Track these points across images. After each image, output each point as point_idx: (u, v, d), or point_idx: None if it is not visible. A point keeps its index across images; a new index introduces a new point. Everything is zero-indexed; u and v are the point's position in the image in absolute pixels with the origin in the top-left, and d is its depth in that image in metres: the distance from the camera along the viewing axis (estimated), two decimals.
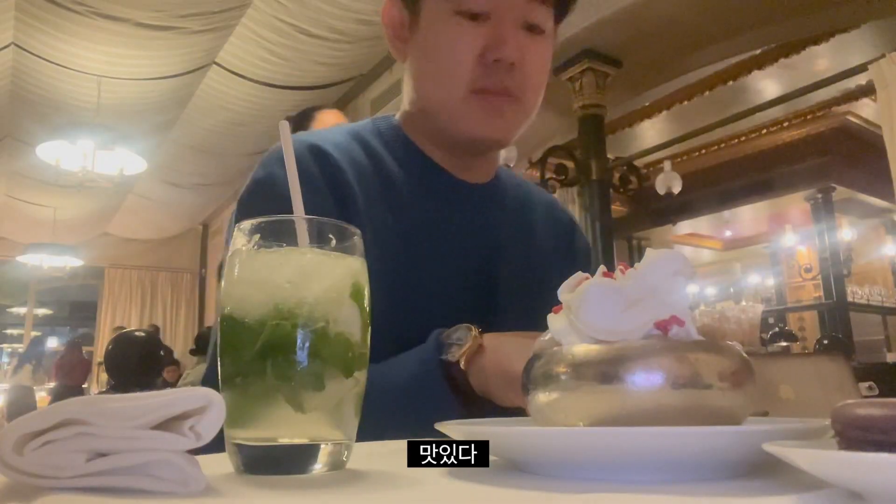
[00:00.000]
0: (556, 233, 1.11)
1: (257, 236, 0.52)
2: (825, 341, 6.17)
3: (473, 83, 0.89)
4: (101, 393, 5.76)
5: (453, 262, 0.94)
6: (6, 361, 12.31)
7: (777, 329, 7.10)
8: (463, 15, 0.89)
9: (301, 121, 2.40)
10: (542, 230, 1.09)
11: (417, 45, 0.95)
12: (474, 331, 0.76)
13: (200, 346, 5.72)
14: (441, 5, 0.90)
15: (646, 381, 0.46)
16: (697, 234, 10.33)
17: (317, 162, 0.90)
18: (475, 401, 0.76)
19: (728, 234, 10.50)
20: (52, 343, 12.93)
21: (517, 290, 1.00)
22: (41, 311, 12.35)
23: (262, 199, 0.89)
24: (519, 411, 0.72)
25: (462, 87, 0.89)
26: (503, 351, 0.74)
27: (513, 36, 0.89)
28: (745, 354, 0.50)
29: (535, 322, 0.69)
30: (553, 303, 1.05)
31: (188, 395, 0.37)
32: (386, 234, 0.89)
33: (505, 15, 0.89)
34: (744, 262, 11.07)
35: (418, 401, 0.76)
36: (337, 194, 0.88)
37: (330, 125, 2.25)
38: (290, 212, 0.82)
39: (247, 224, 0.52)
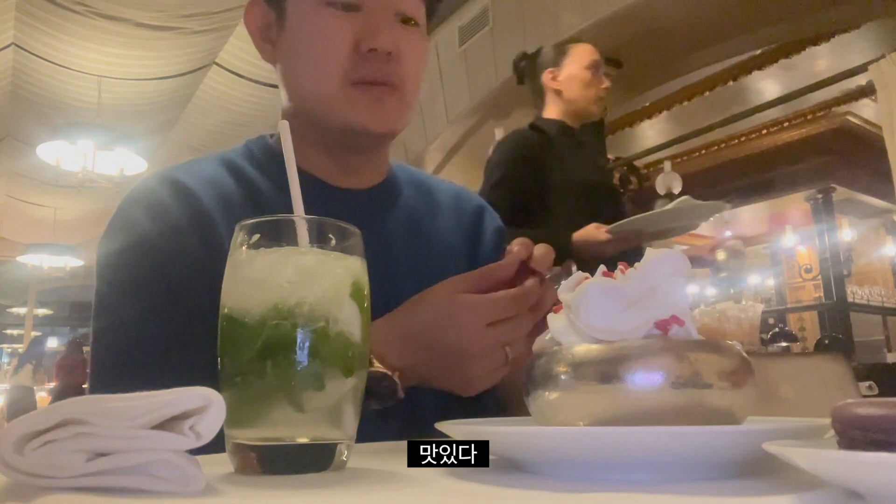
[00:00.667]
0: (461, 220, 1.08)
1: (257, 236, 0.52)
2: (826, 341, 6.17)
3: (351, 74, 0.86)
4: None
5: None
6: (6, 361, 12.31)
7: (777, 329, 7.09)
8: (333, 6, 0.87)
9: (555, 56, 2.34)
10: (444, 222, 1.06)
11: (287, 43, 0.91)
12: (386, 370, 0.71)
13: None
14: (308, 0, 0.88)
15: (646, 380, 0.46)
16: (697, 235, 10.32)
17: (176, 198, 0.87)
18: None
19: (728, 234, 10.49)
20: (53, 343, 12.94)
21: (415, 287, 0.92)
22: (41, 312, 12.35)
23: (125, 254, 0.85)
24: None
25: (338, 78, 0.86)
26: (423, 368, 0.74)
27: (387, 26, 0.87)
28: (745, 354, 0.50)
29: None
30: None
31: (188, 395, 0.37)
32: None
33: (376, 6, 0.88)
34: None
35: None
36: (199, 230, 0.84)
37: (585, 60, 2.32)
38: (161, 263, 0.82)
39: (247, 224, 0.52)
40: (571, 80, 2.31)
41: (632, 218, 1.80)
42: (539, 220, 2.11)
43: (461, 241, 1.07)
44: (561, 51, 2.36)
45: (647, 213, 1.79)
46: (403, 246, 0.98)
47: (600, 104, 2.37)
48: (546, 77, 2.35)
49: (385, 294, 0.92)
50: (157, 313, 0.81)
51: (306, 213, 0.85)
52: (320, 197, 0.91)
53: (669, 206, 1.73)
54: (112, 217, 0.90)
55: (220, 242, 0.82)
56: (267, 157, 0.97)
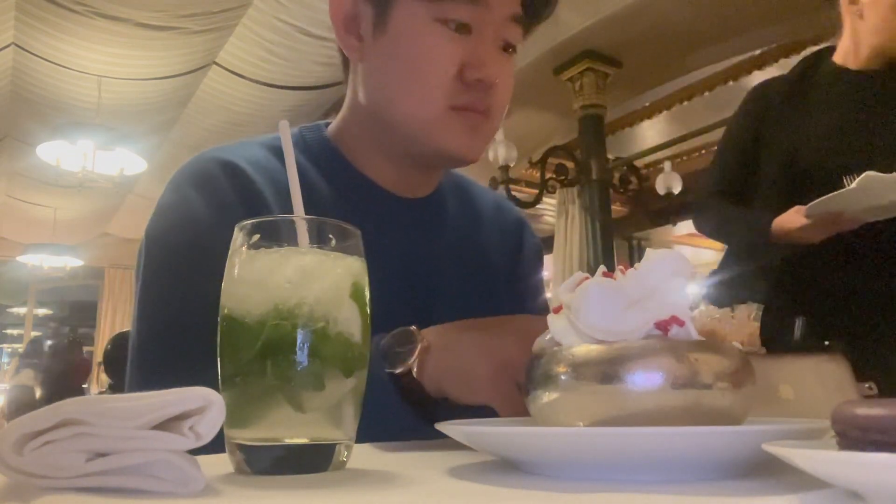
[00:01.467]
0: (504, 235, 1.08)
1: (257, 236, 0.52)
2: (826, 341, 6.16)
3: (452, 99, 0.84)
4: (100, 393, 5.76)
5: (388, 281, 0.85)
6: (6, 361, 12.31)
7: None
8: (445, 24, 0.83)
9: None
10: (488, 235, 1.05)
11: (386, 48, 0.87)
12: (417, 333, 0.71)
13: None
14: (420, 10, 0.84)
15: (646, 381, 0.46)
16: (698, 235, 10.32)
17: (230, 180, 0.84)
18: (432, 403, 0.72)
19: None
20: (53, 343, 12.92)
21: (461, 301, 0.95)
22: (41, 312, 12.34)
23: (175, 232, 0.84)
24: (483, 409, 0.69)
25: (441, 102, 0.84)
26: (453, 350, 0.71)
27: (494, 55, 0.86)
28: (745, 355, 0.50)
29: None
30: (499, 305, 0.99)
31: (188, 396, 0.37)
32: None
33: (487, 31, 0.85)
34: None
35: (375, 418, 0.72)
36: (251, 210, 0.80)
37: None
38: (210, 246, 0.79)
39: (247, 224, 0.52)
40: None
41: (823, 198, 1.53)
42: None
43: (503, 256, 1.06)
44: None
45: (834, 193, 1.52)
46: (449, 254, 0.97)
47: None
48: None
49: (431, 300, 0.92)
50: (204, 296, 0.78)
51: (357, 218, 0.83)
52: (376, 202, 0.93)
53: (853, 184, 1.55)
54: (161, 196, 0.88)
55: None
56: (321, 148, 0.94)
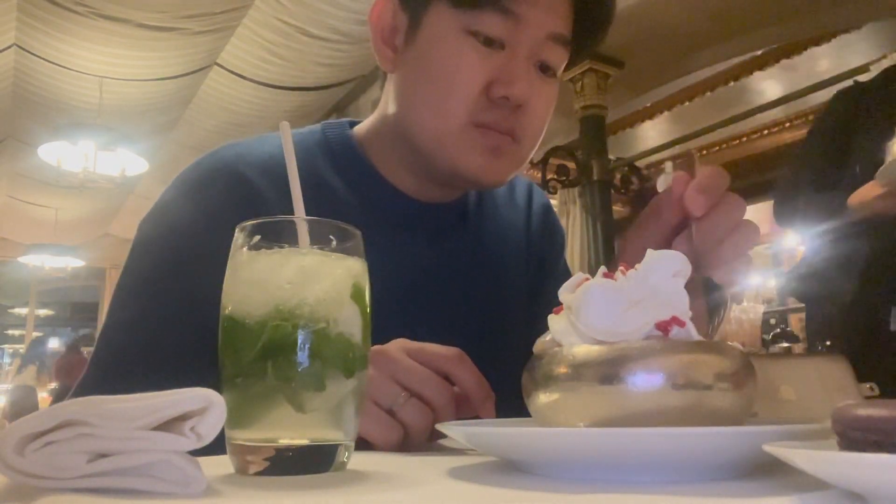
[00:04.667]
0: (516, 207, 1.05)
1: (258, 237, 0.52)
2: (827, 342, 6.15)
3: (475, 115, 0.80)
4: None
5: (400, 283, 0.85)
6: (7, 362, 12.32)
7: (779, 330, 7.08)
8: (475, 37, 0.79)
9: None
10: (505, 218, 1.03)
11: (414, 59, 0.83)
12: None
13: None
14: (450, 20, 0.80)
15: (646, 381, 0.46)
16: None
17: (226, 187, 0.82)
18: None
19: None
20: (54, 344, 12.93)
21: (474, 307, 0.94)
22: (42, 312, 12.35)
23: (160, 233, 0.84)
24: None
25: (462, 117, 0.79)
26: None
27: (525, 73, 0.80)
28: (745, 355, 0.50)
29: (537, 321, 0.63)
30: (510, 311, 0.97)
31: (189, 397, 0.37)
32: None
33: (521, 48, 0.80)
34: None
35: None
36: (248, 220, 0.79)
37: None
38: (191, 252, 0.80)
39: (247, 225, 0.52)
40: None
41: (892, 160, 1.50)
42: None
43: (520, 232, 1.04)
44: None
45: None
46: (467, 261, 0.95)
47: None
48: None
49: (448, 306, 0.91)
50: (175, 300, 0.78)
51: (379, 224, 0.81)
52: (399, 208, 0.90)
53: None
54: (161, 194, 0.88)
55: None
56: (343, 149, 0.92)
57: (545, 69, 0.84)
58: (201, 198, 0.83)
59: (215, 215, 0.78)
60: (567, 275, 1.03)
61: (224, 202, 0.81)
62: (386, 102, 0.90)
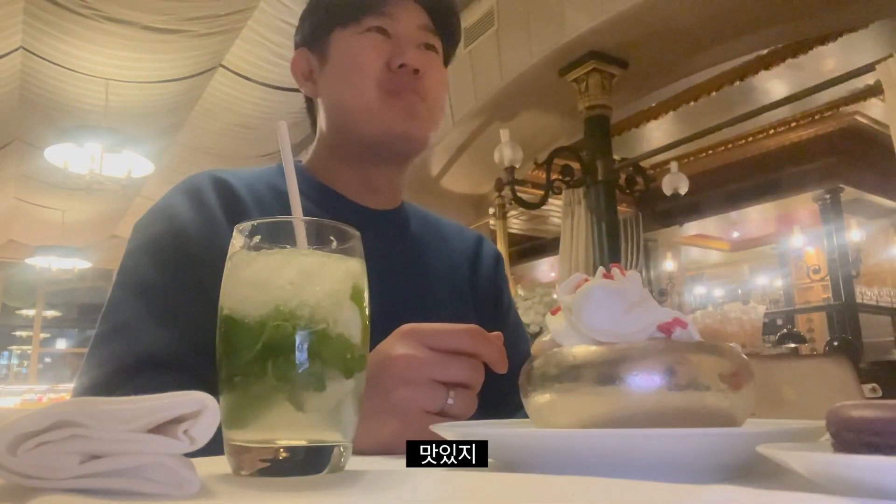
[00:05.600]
0: (463, 247, 1.18)
1: (257, 237, 0.52)
2: (834, 343, 6.13)
3: (384, 85, 0.98)
4: None
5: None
6: (15, 363, 12.37)
7: (785, 331, 7.06)
8: (369, 32, 1.00)
9: None
10: (448, 247, 1.16)
11: (329, 73, 1.03)
12: None
13: None
14: (346, 35, 1.01)
15: (645, 382, 0.46)
16: (705, 236, 10.30)
17: (216, 192, 0.95)
18: None
19: (736, 235, 10.46)
20: (62, 345, 13.00)
21: (418, 308, 1.01)
22: (50, 314, 12.41)
23: (156, 226, 0.93)
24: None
25: (375, 89, 0.98)
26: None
27: (414, 48, 1.01)
28: (745, 356, 0.50)
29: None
30: (453, 311, 1.07)
31: (183, 400, 0.37)
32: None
33: (403, 35, 1.02)
34: (752, 263, 11.04)
35: None
36: (235, 223, 0.85)
37: None
38: (187, 247, 0.87)
39: (247, 225, 0.52)
40: None
41: None
42: None
43: (465, 263, 1.16)
44: None
45: None
46: (411, 268, 1.06)
47: None
48: None
49: (388, 315, 0.92)
50: (179, 311, 0.83)
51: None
52: (349, 212, 1.03)
53: None
54: (150, 208, 0.97)
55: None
56: (302, 177, 1.00)
57: (429, 47, 1.05)
58: (197, 198, 0.94)
59: (208, 215, 0.91)
60: (519, 326, 1.20)
61: (217, 205, 0.93)
62: (319, 126, 1.09)
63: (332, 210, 1.01)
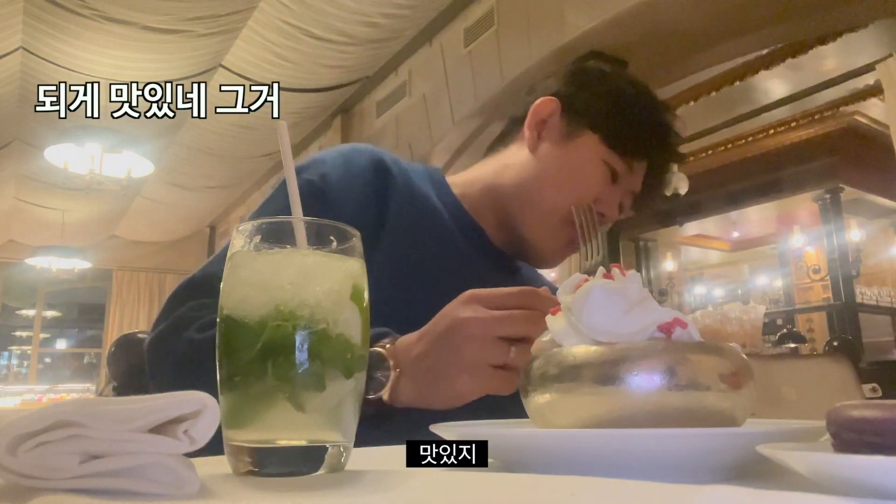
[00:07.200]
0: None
1: (258, 237, 0.52)
2: (835, 343, 6.13)
3: (573, 215, 1.00)
4: (101, 393, 5.77)
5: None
6: (15, 363, 12.36)
7: (785, 330, 7.06)
8: (608, 166, 1.04)
9: None
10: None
11: (558, 155, 1.07)
12: (389, 359, 0.77)
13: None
14: (597, 148, 1.04)
15: (645, 382, 0.46)
16: (705, 236, 10.29)
17: (374, 165, 1.02)
18: (388, 417, 0.78)
19: (735, 235, 10.44)
20: (62, 345, 12.98)
21: None
22: (50, 314, 12.39)
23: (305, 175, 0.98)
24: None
25: (567, 215, 1.01)
26: (425, 376, 0.76)
27: (616, 206, 1.07)
28: (744, 356, 0.50)
29: None
30: None
31: (183, 400, 0.37)
32: (404, 266, 0.97)
33: (627, 185, 1.06)
34: (752, 263, 11.02)
35: None
36: (373, 210, 0.98)
37: None
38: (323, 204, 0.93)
39: (247, 225, 0.52)
40: None
41: None
42: None
43: None
44: None
45: None
46: None
47: None
48: None
49: None
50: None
51: (461, 243, 1.06)
52: (473, 235, 1.10)
53: None
54: (313, 160, 1.04)
55: (386, 231, 0.98)
56: (444, 189, 1.13)
57: (621, 207, 1.09)
58: (351, 160, 1.02)
59: (361, 177, 1.00)
60: None
61: (368, 169, 1.01)
62: (500, 163, 1.13)
63: (463, 229, 1.09)
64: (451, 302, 0.77)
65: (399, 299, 0.87)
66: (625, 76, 1.14)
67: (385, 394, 0.75)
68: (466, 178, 1.17)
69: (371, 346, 0.77)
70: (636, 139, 1.06)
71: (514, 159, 1.11)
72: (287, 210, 0.85)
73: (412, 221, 1.01)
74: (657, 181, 1.11)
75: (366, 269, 0.55)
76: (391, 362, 0.76)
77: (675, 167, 1.11)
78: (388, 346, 0.78)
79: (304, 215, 0.90)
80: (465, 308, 0.75)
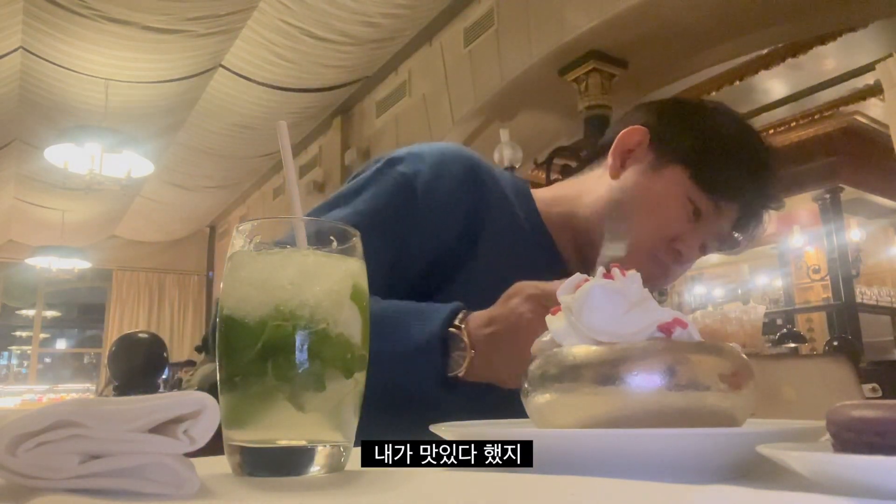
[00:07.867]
0: None
1: (258, 237, 0.52)
2: (835, 343, 6.13)
3: (656, 251, 1.00)
4: (102, 393, 5.77)
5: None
6: (15, 363, 12.35)
7: (785, 330, 7.06)
8: (691, 203, 0.99)
9: None
10: None
11: (643, 186, 1.02)
12: (467, 340, 0.79)
13: (207, 343, 5.72)
14: (683, 183, 0.99)
15: (645, 382, 0.46)
16: None
17: (468, 175, 1.01)
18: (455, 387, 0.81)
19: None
20: (61, 345, 12.97)
21: None
22: (50, 314, 12.38)
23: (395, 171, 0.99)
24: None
25: (649, 246, 0.99)
26: (499, 356, 0.78)
27: (699, 248, 1.02)
28: (744, 356, 0.50)
29: None
30: None
31: (183, 400, 0.37)
32: (481, 277, 0.97)
33: (709, 227, 1.01)
34: (751, 263, 11.01)
35: (405, 389, 0.83)
36: (465, 222, 0.98)
37: None
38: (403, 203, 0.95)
39: (247, 225, 0.52)
40: None
41: None
42: None
43: None
44: None
45: None
46: None
47: None
48: None
49: None
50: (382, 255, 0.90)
51: (535, 266, 1.00)
52: (545, 244, 1.09)
53: None
54: (421, 146, 1.04)
55: (471, 244, 0.98)
56: (527, 202, 1.11)
57: (703, 248, 1.05)
58: (447, 166, 1.01)
59: (454, 190, 0.99)
60: None
61: (464, 180, 1.01)
62: (583, 187, 1.10)
63: (535, 235, 1.08)
64: (512, 298, 0.79)
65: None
66: (724, 110, 1.08)
67: (461, 371, 0.78)
68: (550, 196, 1.15)
69: (447, 317, 0.81)
70: (727, 180, 1.00)
71: (594, 185, 1.09)
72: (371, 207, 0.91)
73: (500, 239, 1.02)
74: (747, 226, 1.06)
75: (365, 269, 0.55)
76: (466, 342, 0.79)
77: (768, 214, 1.04)
78: (462, 326, 0.80)
79: (390, 206, 0.96)
80: (527, 305, 0.76)
